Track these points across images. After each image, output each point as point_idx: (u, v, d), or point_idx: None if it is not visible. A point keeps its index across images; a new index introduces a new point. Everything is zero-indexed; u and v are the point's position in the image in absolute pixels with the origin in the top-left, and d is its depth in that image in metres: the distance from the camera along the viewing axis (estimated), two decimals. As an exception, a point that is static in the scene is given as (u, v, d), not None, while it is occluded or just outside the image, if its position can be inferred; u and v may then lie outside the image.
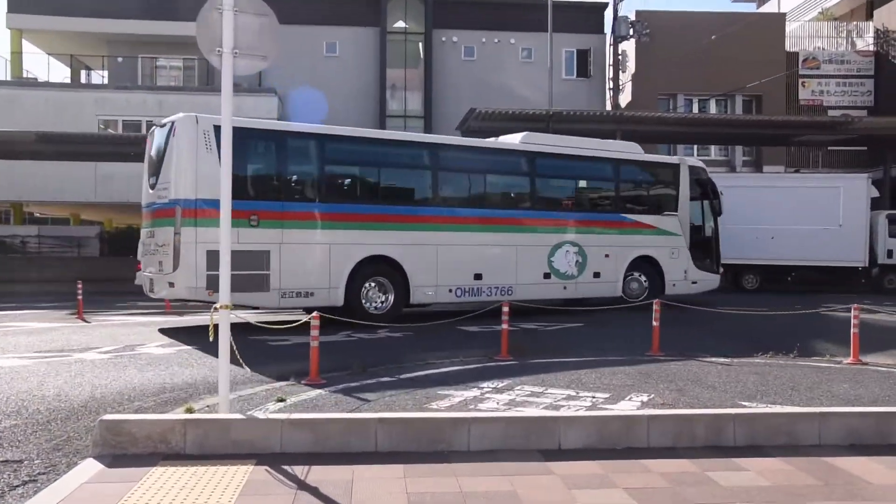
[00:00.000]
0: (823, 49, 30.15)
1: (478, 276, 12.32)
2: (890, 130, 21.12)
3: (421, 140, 12.81)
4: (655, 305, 8.40)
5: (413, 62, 28.48)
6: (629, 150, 14.46)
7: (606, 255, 13.68)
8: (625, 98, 27.18)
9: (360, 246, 11.24)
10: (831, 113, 27.54)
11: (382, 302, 11.45)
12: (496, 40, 28.00)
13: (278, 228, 10.63)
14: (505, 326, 7.99)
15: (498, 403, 5.69)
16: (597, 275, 13.60)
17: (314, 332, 6.34)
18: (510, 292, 12.57)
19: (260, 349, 8.49)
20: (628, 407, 5.61)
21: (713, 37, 24.52)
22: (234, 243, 11.24)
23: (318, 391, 6.08)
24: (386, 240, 11.48)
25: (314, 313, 6.46)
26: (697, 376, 6.90)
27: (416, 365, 7.50)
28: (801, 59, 28.72)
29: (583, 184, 14.42)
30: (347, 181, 11.94)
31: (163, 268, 10.28)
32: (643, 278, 14.16)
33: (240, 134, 11.76)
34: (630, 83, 27.17)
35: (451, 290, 12.04)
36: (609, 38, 26.44)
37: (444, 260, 11.97)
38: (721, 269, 15.57)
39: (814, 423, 4.74)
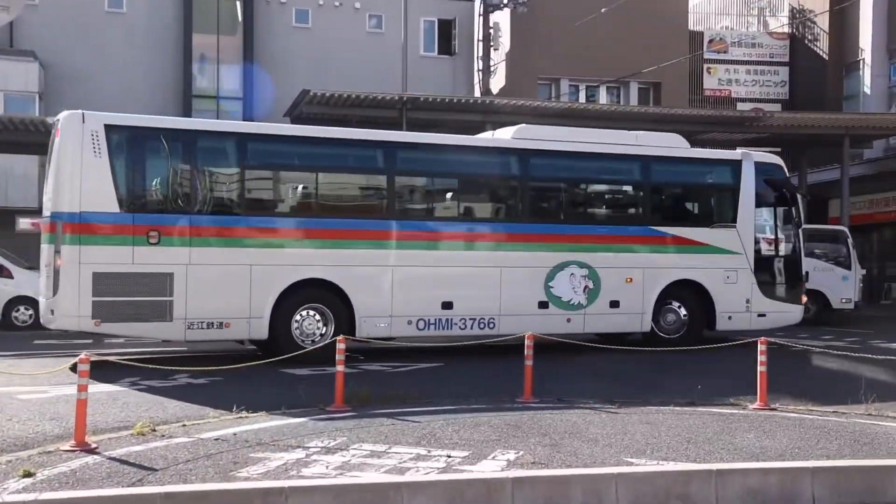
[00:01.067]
0: (732, 29, 32.77)
1: (447, 305, 12.44)
2: (807, 129, 23.13)
3: (372, 138, 12.99)
4: (528, 341, 8.62)
5: (228, 27, 27.91)
6: (669, 143, 14.30)
7: (629, 280, 13.48)
8: (497, 82, 28.06)
9: (290, 268, 11.62)
10: (741, 106, 29.91)
11: (322, 335, 11.76)
12: (337, 3, 28.06)
13: (185, 247, 11.12)
14: (340, 368, 7.94)
15: (328, 467, 5.70)
16: (615, 304, 13.40)
17: (82, 380, 6.15)
18: (492, 325, 12.69)
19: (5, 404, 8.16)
20: (491, 468, 5.72)
21: (603, 10, 25.92)
22: (128, 264, 11.11)
23: (86, 459, 5.93)
24: (325, 260, 11.84)
25: (82, 355, 6.35)
26: (577, 428, 7.13)
27: (223, 420, 7.44)
28: (706, 39, 31.03)
29: (597, 188, 14.60)
30: (274, 189, 12.46)
31: (45, 292, 10.93)
32: (682, 309, 13.93)
33: (137, 133, 11.60)
34: (504, 64, 28.09)
35: (410, 322, 12.23)
36: (478, 7, 27.26)
37: (402, 285, 12.19)
38: (805, 299, 15.11)
39: (709, 482, 5.03)
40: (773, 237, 14.94)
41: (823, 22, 30.04)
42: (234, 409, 7.79)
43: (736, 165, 14.37)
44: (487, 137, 14.15)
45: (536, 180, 13.61)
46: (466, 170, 13.33)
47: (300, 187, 12.56)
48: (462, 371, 11.26)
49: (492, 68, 26.97)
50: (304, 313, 11.73)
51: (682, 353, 11.28)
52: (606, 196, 14.66)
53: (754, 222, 14.38)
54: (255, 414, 7.67)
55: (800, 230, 14.88)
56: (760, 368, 8.27)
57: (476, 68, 27.18)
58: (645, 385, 9.90)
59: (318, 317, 11.83)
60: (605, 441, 6.64)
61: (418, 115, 20.06)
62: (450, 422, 7.30)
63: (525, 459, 5.94)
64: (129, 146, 11.29)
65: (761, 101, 30.76)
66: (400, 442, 6.50)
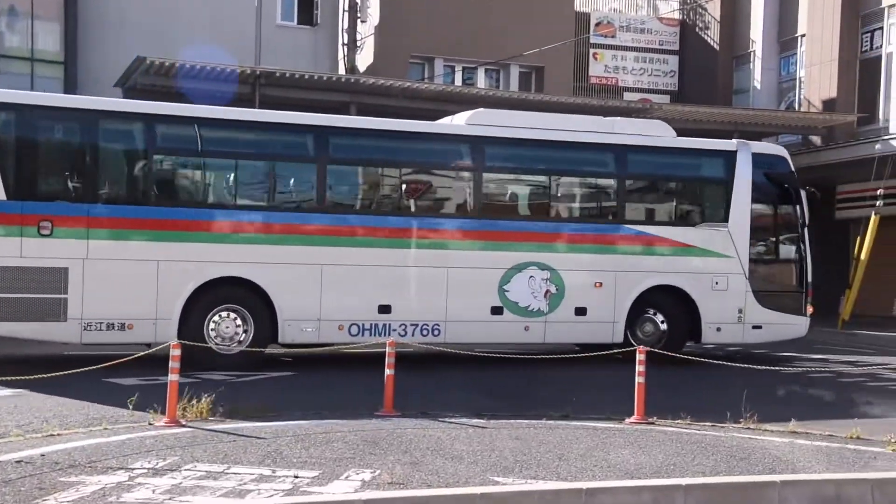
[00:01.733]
0: (620, 12, 33.88)
1: (385, 309, 12.41)
2: (696, 123, 24.15)
3: (302, 122, 12.87)
4: (389, 347, 8.68)
5: (47, -25, 26.64)
6: (651, 131, 14.19)
7: (598, 284, 13.35)
8: (365, 59, 28.01)
9: (204, 264, 11.63)
10: (628, 96, 30.99)
11: (241, 340, 11.78)
12: (182, -43, 27.32)
13: (82, 239, 11.08)
14: (174, 377, 7.78)
15: (154, 491, 5.61)
16: (581, 311, 13.28)
17: None
18: (437, 332, 12.66)
19: None
20: (343, 489, 5.76)
21: (484, -16, 26.29)
22: (16, 257, 10.91)
23: None
24: (243, 256, 11.85)
25: None
26: (441, 444, 7.25)
27: (29, 439, 7.16)
28: (592, 22, 31.97)
29: (563, 181, 14.27)
30: (187, 177, 12.48)
31: None
32: (660, 318, 13.81)
33: (28, 112, 11.34)
34: (372, 39, 28.07)
35: (342, 327, 12.21)
36: (344, -28, 27.11)
37: (332, 285, 12.15)
38: (812, 309, 14.62)
39: (579, 502, 5.21)
40: (772, 239, 14.74)
41: (715, 10, 31.48)
42: (44, 424, 7.52)
43: (729, 157, 14.16)
44: (434, 123, 14.14)
45: (491, 171, 13.57)
46: (409, 158, 13.41)
47: (216, 175, 12.63)
48: (320, 381, 11.23)
49: (359, 43, 26.86)
50: (220, 315, 11.76)
51: (564, 365, 11.59)
52: (574, 190, 14.45)
53: (750, 221, 14.09)
54: (68, 431, 7.43)
55: (805, 231, 14.50)
56: (638, 380, 8.61)
57: (341, 42, 26.99)
58: (519, 398, 10.14)
59: (238, 319, 11.85)
60: (471, 458, 6.77)
61: (274, 91, 19.75)
62: (300, 438, 7.29)
63: (382, 479, 6.00)
64: (18, 126, 11.16)
65: (649, 92, 31.95)
66: (241, 461, 6.45)
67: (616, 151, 13.74)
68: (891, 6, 25.38)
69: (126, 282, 11.25)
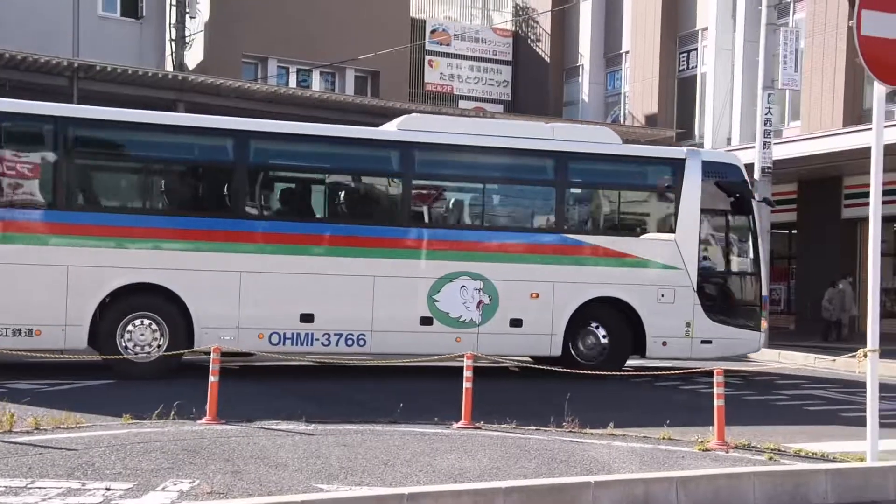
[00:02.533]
0: (456, 21, 34.41)
1: (307, 318, 12.17)
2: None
3: (220, 126, 12.71)
4: (213, 354, 8.48)
5: None
6: (595, 138, 13.89)
7: (534, 295, 13.04)
8: (195, 56, 27.33)
9: (116, 270, 11.49)
10: (462, 104, 31.54)
11: (159, 347, 11.62)
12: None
13: None
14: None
15: None
16: (516, 323, 12.96)
17: None
18: (362, 342, 12.40)
19: None
20: (159, 500, 5.61)
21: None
22: None
23: None
24: (157, 262, 11.71)
25: None
26: (265, 452, 7.15)
27: None
28: (428, 29, 32.34)
29: (497, 189, 13.98)
30: (98, 181, 12.40)
31: None
32: (602, 332, 13.46)
33: None
34: (202, 35, 27.42)
35: (261, 335, 11.98)
36: (172, -35, 26.36)
37: (252, 293, 11.98)
38: (766, 324, 14.41)
39: (399, 507, 5.24)
40: (724, 250, 14.39)
41: (546, 23, 32.49)
42: None
43: (677, 165, 13.74)
44: (362, 128, 14.06)
45: (421, 178, 13.42)
46: (334, 164, 13.22)
47: (131, 179, 12.59)
48: (139, 389, 10.83)
49: (188, 39, 26.18)
50: (136, 322, 11.63)
51: (395, 372, 11.64)
52: (509, 198, 14.13)
53: (699, 232, 13.72)
54: None
55: (759, 243, 14.30)
56: (466, 385, 8.74)
57: (168, 37, 26.23)
58: (349, 405, 10.10)
59: (154, 326, 11.70)
60: (296, 466, 6.70)
61: (94, 86, 19.02)
62: (114, 448, 7.03)
63: (201, 490, 5.85)
64: None
65: (484, 101, 32.65)
66: (47, 474, 6.14)
67: (555, 158, 13.44)
68: (704, 29, 26.91)
69: (32, 287, 11.16)
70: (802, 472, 6.50)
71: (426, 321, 12.62)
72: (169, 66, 25.78)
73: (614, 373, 11.83)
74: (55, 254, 11.31)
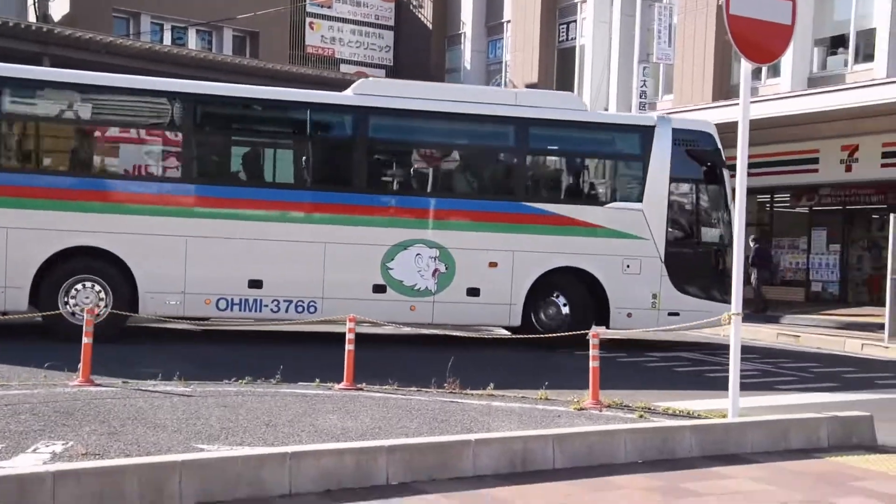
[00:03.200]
0: (337, -17, 33.95)
1: (255, 284, 12.09)
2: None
3: (163, 88, 12.48)
4: (88, 315, 8.28)
5: None
6: (559, 104, 13.48)
7: (492, 264, 12.80)
8: (60, 7, 26.22)
9: (58, 233, 11.48)
10: (344, 68, 31.27)
11: (104, 310, 11.47)
12: None
13: None
14: None
15: None
16: (473, 292, 12.76)
17: None
18: (313, 308, 12.26)
19: None
20: (30, 462, 5.47)
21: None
22: None
23: None
24: (101, 226, 11.64)
25: None
26: (142, 413, 7.06)
27: None
28: (310, -9, 31.86)
29: (455, 156, 13.70)
30: (37, 143, 12.22)
31: None
32: (563, 301, 13.22)
33: None
34: (72, -14, 26.34)
35: (208, 301, 11.95)
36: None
37: (198, 258, 11.88)
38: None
39: (283, 465, 5.28)
40: (694, 220, 13.94)
41: (429, -11, 32.46)
42: None
43: (646, 132, 13.40)
44: (317, 93, 13.82)
45: (376, 144, 13.21)
46: (284, 128, 13.07)
47: (70, 142, 12.38)
48: (6, 349, 10.48)
49: (52, -9, 25.12)
50: (80, 286, 11.62)
51: (282, 335, 11.58)
52: (467, 165, 13.83)
53: (668, 202, 13.39)
54: None
55: (732, 213, 13.10)
56: (348, 347, 8.80)
57: (32, -12, 25.11)
58: (230, 367, 9.99)
59: (98, 289, 11.68)
60: (175, 427, 6.64)
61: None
62: (-19, 411, 6.81)
63: (75, 451, 5.74)
64: None
65: (366, 65, 32.43)
66: None
67: (516, 125, 13.17)
68: (583, 1, 27.39)
69: None
70: (669, 429, 6.82)
71: (379, 289, 12.47)
72: (31, 17, 24.66)
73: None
74: None
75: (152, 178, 12.36)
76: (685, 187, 13.82)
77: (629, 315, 13.10)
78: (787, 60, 20.99)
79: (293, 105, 12.98)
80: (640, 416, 7.77)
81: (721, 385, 7.56)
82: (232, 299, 12.06)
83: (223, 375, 9.19)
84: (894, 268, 14.38)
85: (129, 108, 12.42)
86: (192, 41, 28.47)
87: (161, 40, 27.10)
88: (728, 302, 12.94)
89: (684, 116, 14.95)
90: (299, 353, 11.73)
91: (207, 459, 5.09)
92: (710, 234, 13.97)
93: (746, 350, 11.82)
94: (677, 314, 13.13)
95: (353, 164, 12.87)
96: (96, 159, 12.47)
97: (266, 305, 12.14)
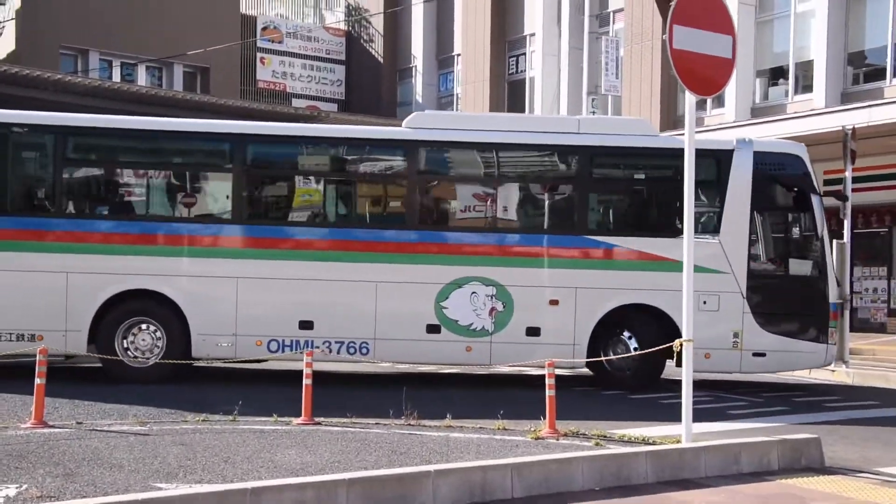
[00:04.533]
0: (287, 19, 34.13)
1: (306, 325, 11.89)
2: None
3: (214, 130, 12.62)
4: (40, 355, 8.19)
5: None
6: (628, 130, 12.74)
7: (553, 302, 12.16)
8: (6, 44, 26.01)
9: (113, 276, 11.70)
10: (296, 103, 31.32)
11: (160, 352, 11.74)
12: None
13: None
14: None
15: None
16: (533, 331, 12.09)
17: None
18: (365, 350, 11.97)
19: None
20: (-15, 509, 5.39)
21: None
22: None
23: None
24: (154, 269, 11.80)
25: None
26: (99, 454, 6.99)
27: None
28: (259, 26, 31.94)
29: (512, 188, 13.05)
30: (92, 187, 12.63)
31: None
32: (633, 341, 12.25)
33: None
34: (14, 23, 26.12)
35: (259, 343, 11.80)
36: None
37: (249, 299, 11.84)
38: (833, 338, 12.61)
39: (244, 502, 5.27)
40: (781, 252, 12.77)
41: (379, 23, 32.71)
42: None
43: (724, 157, 12.36)
44: (367, 128, 13.75)
45: (427, 178, 12.89)
46: (335, 166, 12.86)
47: (124, 186, 12.68)
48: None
49: None
50: (138, 328, 11.79)
51: (230, 369, 11.51)
52: (526, 197, 13.15)
53: (749, 232, 12.34)
54: None
55: (824, 243, 12.48)
56: (306, 382, 8.80)
57: (-24, 25, 24.89)
58: (184, 403, 9.94)
59: (158, 333, 11.82)
60: (132, 466, 6.59)
61: None
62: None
63: (30, 494, 5.67)
64: None
65: (318, 100, 32.55)
66: None
67: (579, 154, 12.49)
68: (531, 35, 27.82)
69: (32, 293, 11.50)
70: (625, 455, 6.92)
71: (433, 329, 12.00)
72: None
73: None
74: (51, 260, 11.63)
75: (204, 220, 12.42)
76: (769, 216, 12.75)
77: (707, 356, 11.86)
78: (731, 91, 21.49)
79: (344, 141, 12.83)
80: (597, 444, 7.86)
81: (677, 413, 7.68)
82: (283, 341, 11.86)
83: (180, 413, 9.13)
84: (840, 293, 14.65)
85: (181, 152, 12.70)
86: (142, 77, 28.36)
87: (110, 77, 26.95)
88: (826, 341, 12.37)
89: (770, 139, 14.09)
90: (257, 388, 11.69)
91: (167, 498, 5.08)
92: (799, 267, 12.62)
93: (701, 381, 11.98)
94: (763, 355, 12.20)
95: (404, 199, 12.59)
96: (150, 202, 12.64)
97: (317, 347, 11.76)
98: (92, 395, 10.50)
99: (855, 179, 13.00)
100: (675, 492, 6.50)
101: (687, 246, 7.70)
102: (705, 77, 7.68)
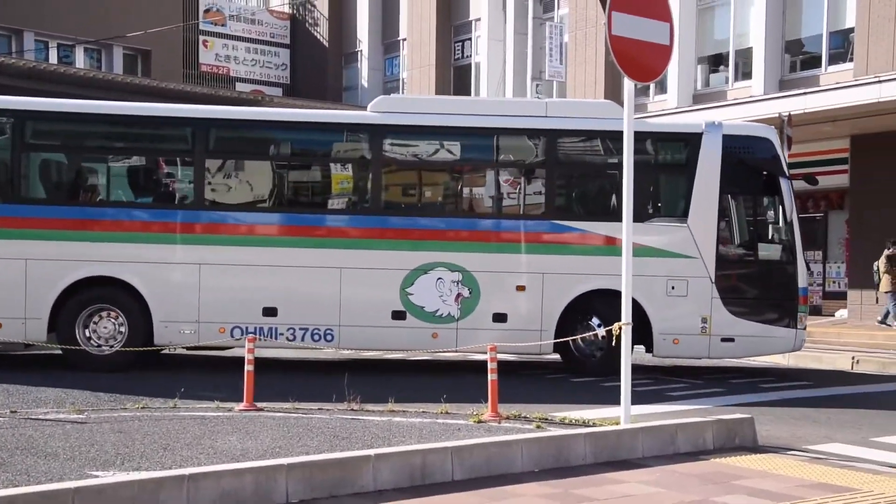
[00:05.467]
0: (231, 1, 33.70)
1: (270, 312, 11.76)
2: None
3: (173, 114, 12.51)
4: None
5: None
6: (595, 114, 12.35)
7: (520, 287, 11.96)
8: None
9: (73, 263, 11.52)
10: (240, 86, 30.98)
11: (119, 340, 11.66)
12: None
13: None
14: None
15: None
16: (500, 317, 11.91)
17: None
18: (330, 337, 11.85)
19: None
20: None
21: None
22: None
23: None
24: (113, 255, 11.63)
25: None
26: (33, 443, 6.89)
27: None
28: (201, 8, 31.49)
29: (479, 173, 13.03)
30: (52, 173, 12.43)
31: None
32: (601, 328, 11.91)
33: None
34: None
35: (223, 329, 11.66)
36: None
37: (212, 286, 11.72)
38: (804, 322, 12.49)
39: (181, 488, 5.24)
40: (750, 236, 12.62)
41: (323, 7, 32.46)
42: None
43: (693, 140, 12.19)
44: (330, 112, 13.60)
45: (393, 162, 12.66)
46: (297, 149, 12.71)
47: (84, 171, 12.56)
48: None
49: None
50: (98, 315, 11.69)
51: (197, 357, 11.40)
52: (492, 182, 12.93)
53: (718, 216, 12.13)
54: None
55: (794, 227, 12.25)
56: (247, 367, 8.75)
57: None
58: (124, 391, 9.84)
59: (120, 320, 11.69)
60: (68, 455, 6.51)
61: None
62: None
63: (-42, 484, 5.57)
64: None
65: (262, 84, 32.23)
66: None
67: (546, 137, 12.21)
68: (477, 20, 27.83)
69: None
70: (565, 437, 7.00)
71: (399, 315, 11.86)
72: None
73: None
74: (12, 247, 11.49)
75: (162, 204, 12.37)
76: (739, 199, 12.61)
77: (675, 341, 12.00)
78: (673, 77, 21.76)
79: (307, 125, 12.74)
80: (538, 427, 7.94)
81: (617, 395, 7.78)
82: (247, 328, 11.68)
83: (119, 401, 9.03)
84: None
85: (138, 137, 12.54)
86: (80, 60, 27.82)
87: (46, 59, 26.40)
88: (795, 326, 12.23)
89: (739, 122, 13.80)
90: (208, 375, 11.60)
91: (102, 485, 5.02)
92: (768, 251, 12.48)
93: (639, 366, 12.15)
94: (732, 340, 12.06)
95: (368, 183, 12.42)
96: (110, 188, 12.46)
97: (282, 334, 11.78)
98: (29, 383, 10.34)
99: (791, 165, 13.17)
100: (612, 472, 6.59)
101: (626, 231, 7.83)
102: (644, 63, 7.76)
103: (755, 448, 7.59)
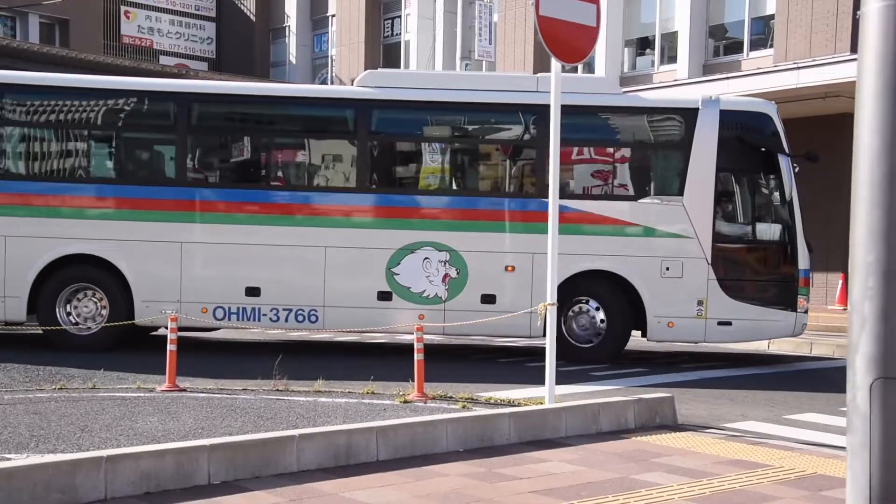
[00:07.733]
0: (155, -28, 32.95)
1: (253, 292, 11.55)
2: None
3: (158, 88, 12.34)
4: None
5: None
6: (589, 88, 12.00)
7: (510, 268, 11.66)
8: None
9: (52, 241, 11.37)
10: (164, 60, 30.36)
11: (104, 319, 11.50)
12: None
13: None
14: None
15: None
16: (489, 299, 11.58)
17: None
18: (314, 318, 11.59)
19: None
20: None
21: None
22: None
23: None
24: (95, 233, 11.46)
25: None
26: (-55, 426, 6.69)
27: None
28: (124, -22, 30.75)
29: (469, 150, 12.74)
30: (31, 148, 12.05)
31: None
32: (600, 311, 11.74)
33: None
34: None
35: (205, 310, 11.47)
36: None
37: (194, 264, 11.56)
38: (804, 305, 11.89)
39: (98, 471, 5.12)
40: (748, 216, 12.19)
41: (251, -19, 31.95)
42: None
43: (689, 116, 11.74)
44: (315, 87, 13.13)
45: (380, 139, 12.35)
46: (280, 126, 12.46)
47: (64, 147, 12.16)
48: None
49: None
50: (80, 294, 11.60)
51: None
52: (481, 159, 12.75)
53: (715, 195, 11.70)
54: None
55: (794, 206, 11.72)
56: (171, 347, 8.61)
57: None
58: (48, 375, 9.61)
59: (103, 299, 11.56)
60: (-21, 437, 6.34)
61: None
62: None
63: None
64: None
65: (187, 58, 31.61)
66: None
67: (536, 113, 11.60)
68: (407, -3, 27.70)
69: None
70: (489, 417, 7.04)
71: (384, 296, 11.61)
72: None
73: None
74: None
75: (144, 182, 12.09)
76: (736, 177, 12.17)
77: (670, 324, 11.71)
78: (600, 60, 21.94)
79: (292, 101, 12.49)
80: (463, 407, 7.98)
81: (542, 376, 7.85)
82: (229, 308, 11.53)
83: (36, 382, 8.82)
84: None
85: (120, 112, 12.05)
86: (-4, 28, 26.95)
87: (-38, 27, 25.52)
88: (795, 309, 11.76)
89: (738, 97, 13.42)
90: (122, 356, 11.37)
91: (13, 468, 4.88)
92: (767, 231, 12.14)
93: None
94: (729, 323, 11.66)
95: (354, 161, 12.13)
96: (91, 165, 12.21)
97: (265, 314, 11.56)
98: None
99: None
100: (536, 451, 6.66)
101: (552, 209, 7.81)
102: (571, 44, 7.78)
103: (675, 426, 7.75)
